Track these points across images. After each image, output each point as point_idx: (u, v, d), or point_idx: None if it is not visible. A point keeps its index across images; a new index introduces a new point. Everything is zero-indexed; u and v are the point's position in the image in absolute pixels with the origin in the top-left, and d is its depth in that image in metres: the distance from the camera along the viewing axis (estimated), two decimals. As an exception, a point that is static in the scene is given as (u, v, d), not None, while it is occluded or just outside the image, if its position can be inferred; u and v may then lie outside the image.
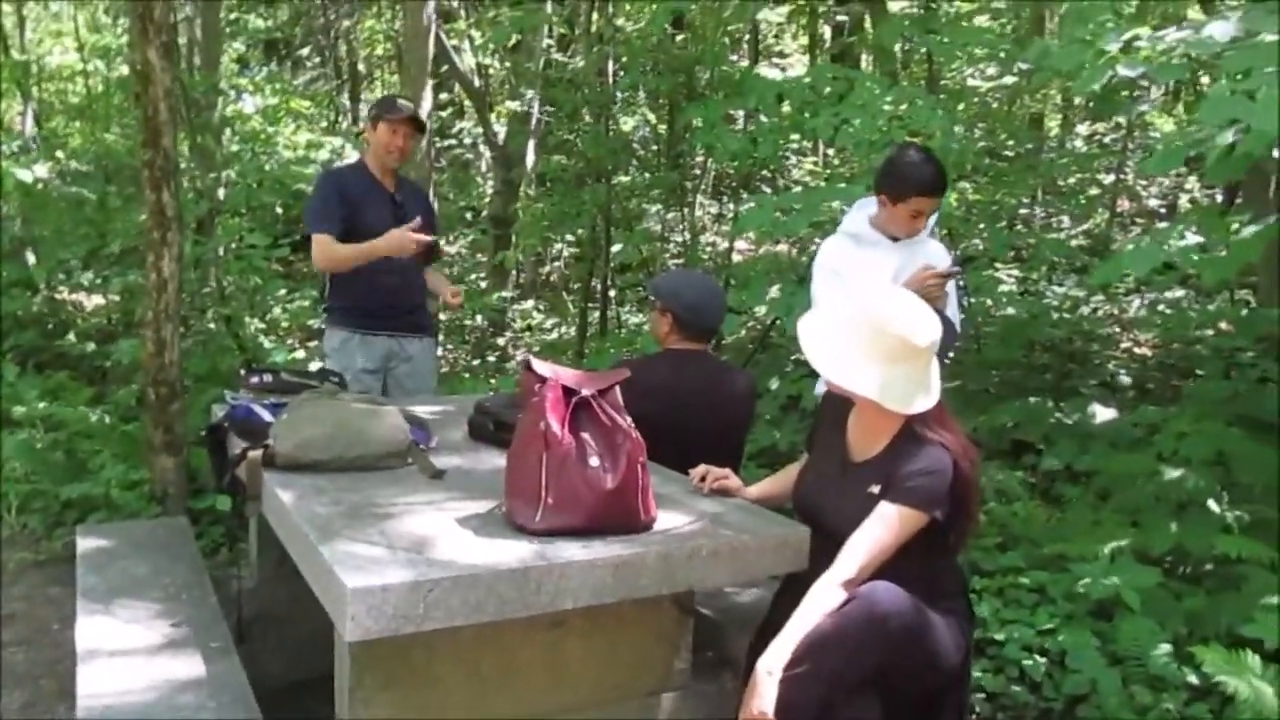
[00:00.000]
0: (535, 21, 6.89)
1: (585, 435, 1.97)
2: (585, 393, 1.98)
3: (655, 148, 8.53)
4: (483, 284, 7.64)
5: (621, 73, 6.67)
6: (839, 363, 2.01)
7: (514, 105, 7.45)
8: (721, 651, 2.51)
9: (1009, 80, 6.10)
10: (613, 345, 6.38)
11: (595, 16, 6.25)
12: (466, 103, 10.44)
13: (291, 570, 2.86)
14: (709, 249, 7.77)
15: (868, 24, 8.55)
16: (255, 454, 2.36)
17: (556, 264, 8.77)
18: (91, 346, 6.18)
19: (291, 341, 6.61)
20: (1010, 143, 6.90)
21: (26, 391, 5.31)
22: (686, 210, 7.13)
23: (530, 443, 1.97)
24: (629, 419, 2.01)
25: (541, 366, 2.03)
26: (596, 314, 7.28)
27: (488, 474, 2.45)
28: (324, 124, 13.12)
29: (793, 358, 5.64)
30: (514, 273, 8.25)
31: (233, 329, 5.00)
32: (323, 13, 14.59)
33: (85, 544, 2.92)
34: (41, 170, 7.44)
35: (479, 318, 7.60)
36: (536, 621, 2.03)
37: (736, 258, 7.59)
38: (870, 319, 2.00)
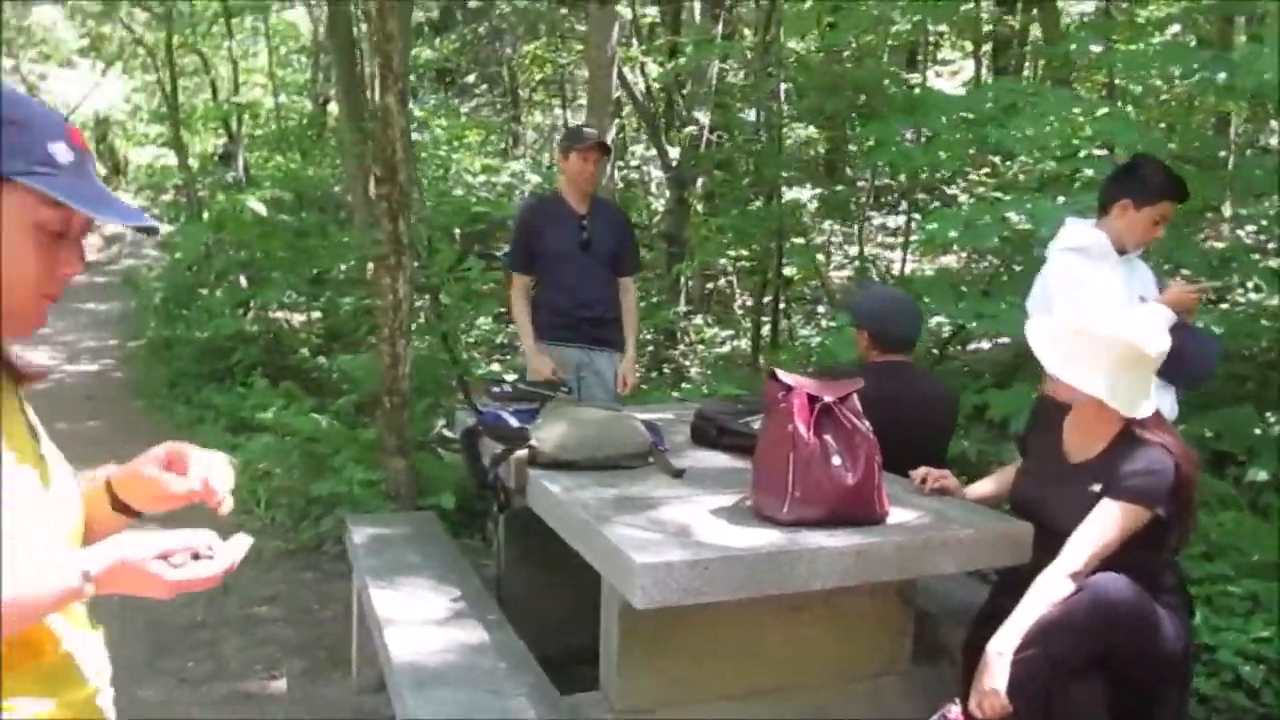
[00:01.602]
0: (712, 51, 7.20)
1: (827, 437, 2.20)
2: (827, 399, 2.22)
3: (821, 164, 8.71)
4: (654, 299, 7.98)
5: (791, 92, 6.90)
6: (1071, 365, 2.18)
7: (691, 129, 7.77)
8: (936, 640, 2.69)
9: (1193, 80, 5.96)
10: (788, 357, 6.59)
11: (767, 38, 6.49)
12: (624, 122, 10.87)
13: (534, 560, 3.22)
14: (877, 262, 7.87)
15: (1033, 29, 8.49)
16: (521, 454, 2.71)
17: (729, 278, 9.04)
18: (321, 360, 6.83)
19: (485, 354, 7.13)
20: (1195, 145, 6.72)
21: (269, 400, 5.94)
22: (855, 225, 7.28)
23: (778, 443, 2.22)
24: (867, 423, 2.23)
25: (785, 376, 2.29)
26: (767, 326, 7.51)
27: (719, 472, 2.72)
28: (493, 149, 13.85)
29: (966, 368, 5.71)
30: (683, 288, 8.56)
31: (448, 344, 5.48)
32: (490, 41, 15.40)
33: (359, 533, 3.34)
34: (254, 201, 8.26)
35: (653, 332, 7.94)
36: (779, 604, 2.28)
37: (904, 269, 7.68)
38: (1109, 327, 2.16)
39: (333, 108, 15.76)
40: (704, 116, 7.69)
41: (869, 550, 2.13)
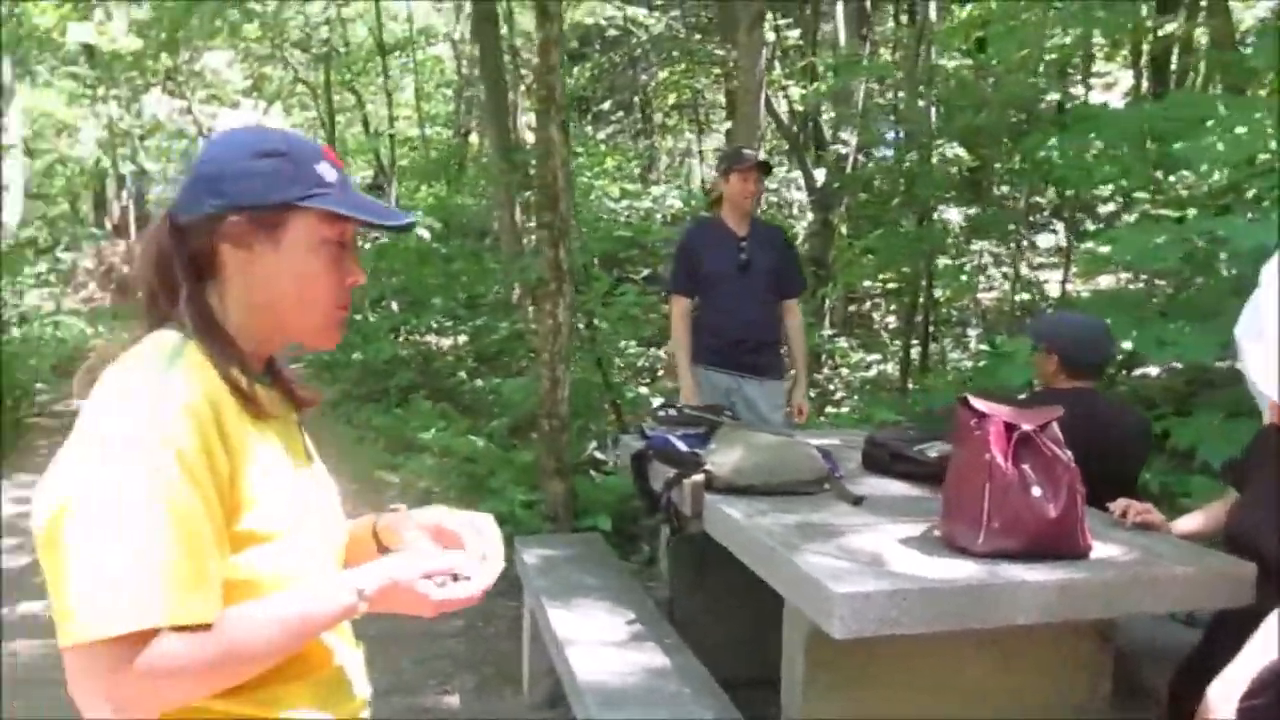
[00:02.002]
0: (862, 71, 7.13)
1: (1026, 466, 2.13)
2: (1026, 427, 2.15)
3: (966, 184, 8.48)
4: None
5: (942, 110, 6.76)
6: None
7: (838, 149, 7.70)
8: (1137, 682, 2.56)
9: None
10: (940, 381, 6.42)
11: (919, 56, 6.39)
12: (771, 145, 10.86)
13: (706, 584, 3.23)
14: (1032, 283, 7.61)
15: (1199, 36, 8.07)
16: (696, 479, 2.72)
17: (875, 300, 8.90)
18: (479, 383, 7.05)
19: (631, 377, 7.20)
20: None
21: (430, 421, 6.16)
22: (1010, 245, 7.06)
23: (972, 472, 2.16)
24: (1069, 452, 2.15)
25: (979, 403, 2.23)
26: (916, 350, 7.34)
27: (897, 500, 2.67)
28: (627, 174, 14.06)
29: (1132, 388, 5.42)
30: (826, 311, 8.47)
31: (602, 369, 5.57)
32: (625, 69, 15.67)
33: (529, 554, 3.42)
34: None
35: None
36: (970, 637, 2.21)
37: (1054, 290, 7.39)
38: None
39: (473, 138, 16.35)
40: (850, 137, 7.61)
41: (1073, 586, 2.04)
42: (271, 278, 1.16)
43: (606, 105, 17.72)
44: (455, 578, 1.17)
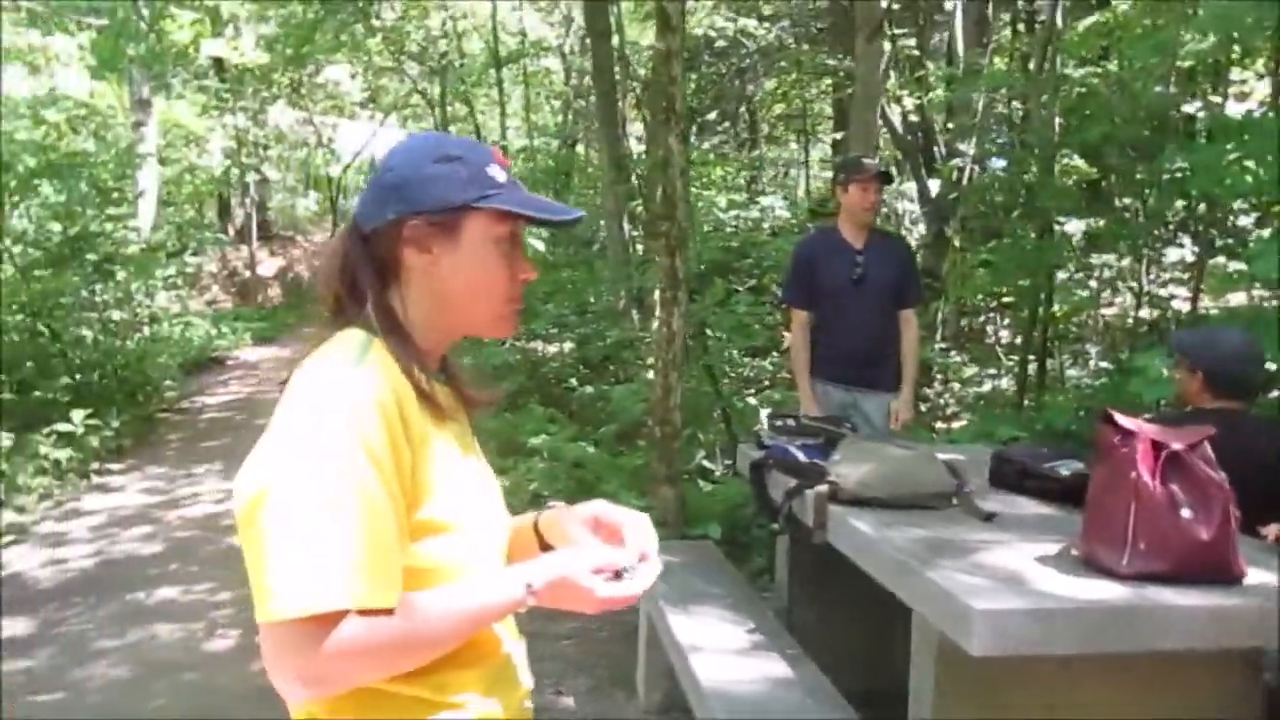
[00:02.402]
0: (989, 81, 6.99)
1: (1174, 486, 2.06)
2: (1176, 446, 2.07)
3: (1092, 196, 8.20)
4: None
5: (1067, 121, 6.56)
6: None
7: (956, 162, 7.56)
8: (1285, 717, 2.44)
9: None
10: (1060, 398, 6.22)
11: (1044, 64, 6.23)
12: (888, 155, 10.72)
13: (825, 595, 3.20)
14: (1155, 300, 7.31)
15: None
16: (821, 489, 2.70)
17: (990, 314, 8.69)
18: (588, 389, 7.14)
19: (738, 387, 7.20)
20: None
21: (541, 426, 6.27)
22: (1137, 259, 6.79)
23: (1117, 491, 2.09)
24: (1222, 474, 2.07)
25: (1124, 420, 2.16)
26: (1033, 366, 7.12)
27: (1030, 518, 2.61)
28: (731, 184, 14.07)
29: None
30: (939, 324, 8.30)
31: (713, 377, 5.58)
32: (732, 79, 15.68)
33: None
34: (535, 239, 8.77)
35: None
36: (1108, 660, 2.15)
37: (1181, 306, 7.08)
38: None
39: (579, 149, 16.58)
40: (967, 147, 7.46)
41: (1226, 612, 1.96)
42: (450, 277, 1.22)
43: (712, 115, 17.77)
44: (619, 575, 1.20)
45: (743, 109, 17.05)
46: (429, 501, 1.15)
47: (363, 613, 1.05)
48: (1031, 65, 7.32)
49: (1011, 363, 7.47)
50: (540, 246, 7.87)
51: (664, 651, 3.03)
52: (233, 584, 4.88)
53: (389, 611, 1.07)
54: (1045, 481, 2.82)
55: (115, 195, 10.64)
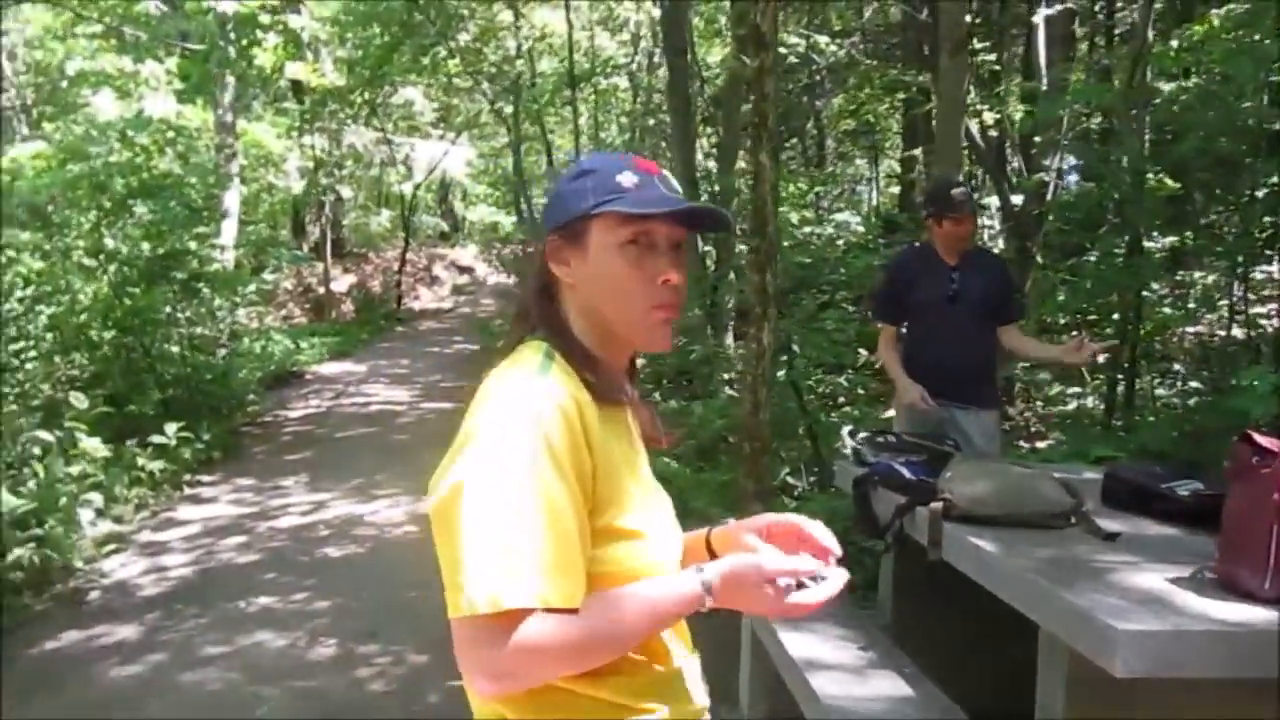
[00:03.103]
0: (1079, 96, 6.89)
1: (1319, 507, 2.01)
2: (1322, 466, 2.03)
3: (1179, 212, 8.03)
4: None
5: (1159, 135, 6.44)
6: None
7: (1041, 176, 7.46)
8: None
9: None
10: (1150, 416, 6.08)
11: (1134, 79, 6.12)
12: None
13: (933, 613, 3.17)
14: (1249, 319, 7.12)
15: None
16: (935, 506, 2.68)
17: (1074, 332, 8.51)
18: (671, 404, 7.17)
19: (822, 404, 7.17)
20: None
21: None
22: (1231, 277, 6.64)
23: (1256, 513, 2.05)
24: (1372, 495, 2.02)
25: (1263, 439, 2.12)
26: (1120, 385, 6.97)
27: (1152, 539, 2.55)
28: (801, 200, 14.03)
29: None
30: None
31: (798, 393, 5.57)
32: (801, 96, 15.67)
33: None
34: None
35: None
36: (1238, 686, 2.09)
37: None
38: None
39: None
40: (1052, 162, 7.36)
41: (1376, 638, 1.91)
42: (585, 285, 1.26)
43: (780, 131, 17.77)
44: (800, 584, 1.21)
45: (810, 125, 17.04)
46: (611, 507, 1.19)
47: (549, 611, 1.09)
48: (1116, 79, 7.20)
49: (1098, 381, 7.31)
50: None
51: (769, 665, 3.03)
52: (328, 594, 5.00)
53: (573, 611, 1.11)
54: (1166, 502, 2.77)
55: (205, 214, 10.94)
